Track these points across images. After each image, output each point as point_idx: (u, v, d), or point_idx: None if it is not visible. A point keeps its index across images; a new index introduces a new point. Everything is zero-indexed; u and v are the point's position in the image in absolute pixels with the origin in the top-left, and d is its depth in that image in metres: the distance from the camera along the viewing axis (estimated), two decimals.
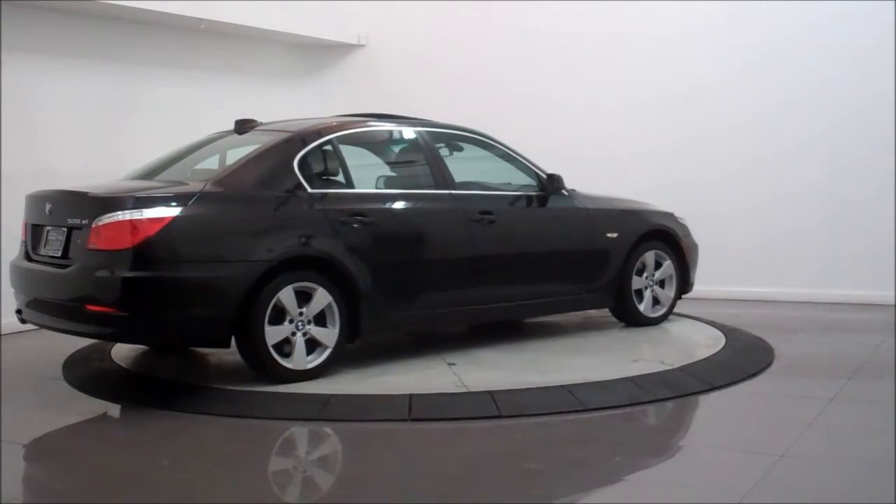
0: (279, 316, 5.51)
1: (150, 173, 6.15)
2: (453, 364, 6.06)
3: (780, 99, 8.81)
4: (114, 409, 5.45)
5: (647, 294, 7.22)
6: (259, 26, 9.17)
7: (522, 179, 6.89)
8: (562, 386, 5.46)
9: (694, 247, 7.54)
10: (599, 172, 8.71)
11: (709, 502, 3.94)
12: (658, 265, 7.26)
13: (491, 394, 5.28)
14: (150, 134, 8.30)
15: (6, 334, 7.39)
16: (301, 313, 5.57)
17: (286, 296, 5.50)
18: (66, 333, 5.72)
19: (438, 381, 5.59)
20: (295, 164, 5.80)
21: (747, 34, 8.92)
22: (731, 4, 8.96)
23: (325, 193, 5.87)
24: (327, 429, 5.06)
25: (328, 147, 6.04)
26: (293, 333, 5.56)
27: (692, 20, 9.12)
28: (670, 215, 7.46)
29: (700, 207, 7.54)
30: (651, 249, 7.19)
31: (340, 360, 5.87)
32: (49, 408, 5.64)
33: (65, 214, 5.61)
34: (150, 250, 5.20)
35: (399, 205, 6.26)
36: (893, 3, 8.28)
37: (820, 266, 8.70)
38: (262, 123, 6.50)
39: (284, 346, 5.55)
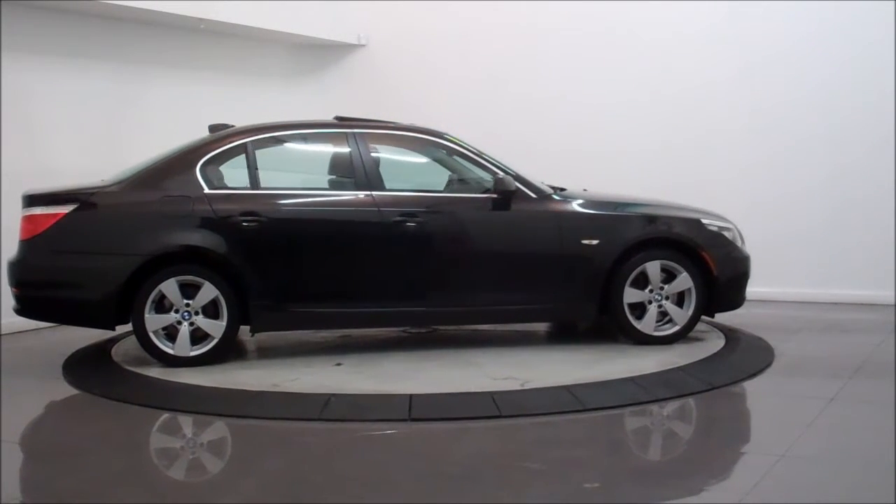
0: (168, 305, 6.03)
1: (135, 173, 6.28)
2: (340, 364, 6.17)
3: (780, 99, 8.80)
4: (114, 409, 5.44)
5: (652, 309, 6.49)
6: (259, 26, 9.17)
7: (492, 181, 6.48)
8: (562, 386, 5.48)
9: (731, 259, 6.67)
10: (599, 172, 8.72)
11: (709, 502, 3.94)
12: (672, 277, 6.53)
13: (491, 394, 5.31)
14: (150, 134, 8.29)
15: (6, 334, 7.39)
16: (188, 304, 6.00)
17: (169, 288, 5.99)
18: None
19: (276, 378, 5.75)
20: (198, 166, 6.20)
21: (747, 34, 8.91)
22: (732, 5, 8.95)
23: (221, 194, 6.19)
24: (326, 429, 5.05)
25: (240, 150, 6.34)
26: (179, 322, 6.02)
27: (693, 20, 9.10)
28: (695, 221, 6.64)
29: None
30: (655, 259, 6.46)
31: (239, 352, 6.24)
32: (49, 407, 5.66)
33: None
34: (46, 241, 6.01)
35: (297, 205, 6.34)
36: (893, 3, 8.28)
37: (820, 266, 8.69)
38: (234, 127, 6.61)
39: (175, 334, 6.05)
